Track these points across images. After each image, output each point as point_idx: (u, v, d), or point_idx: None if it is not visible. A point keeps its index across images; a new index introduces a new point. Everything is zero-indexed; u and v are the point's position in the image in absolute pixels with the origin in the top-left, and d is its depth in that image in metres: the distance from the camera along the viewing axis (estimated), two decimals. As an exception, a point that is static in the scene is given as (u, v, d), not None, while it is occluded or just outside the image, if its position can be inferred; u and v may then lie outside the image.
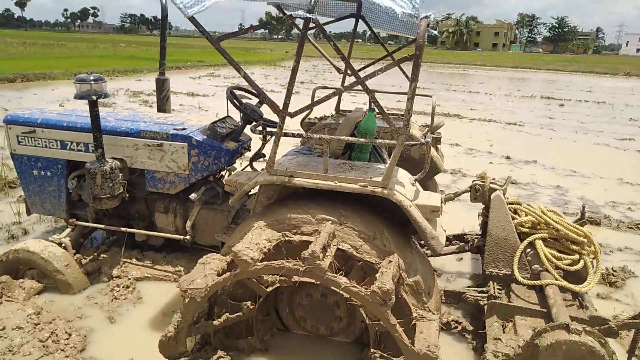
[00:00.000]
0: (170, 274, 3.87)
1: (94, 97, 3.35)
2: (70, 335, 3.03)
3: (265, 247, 2.52)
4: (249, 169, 3.45)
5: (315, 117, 4.53)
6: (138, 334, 3.20)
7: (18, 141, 3.93)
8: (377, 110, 2.87)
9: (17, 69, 18.02)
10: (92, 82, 3.34)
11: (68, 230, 3.93)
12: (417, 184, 2.99)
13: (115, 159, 3.72)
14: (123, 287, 3.64)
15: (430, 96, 4.52)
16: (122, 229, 3.90)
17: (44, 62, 22.20)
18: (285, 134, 2.77)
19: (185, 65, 26.13)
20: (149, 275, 3.84)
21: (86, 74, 3.38)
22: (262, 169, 3.19)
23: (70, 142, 3.83)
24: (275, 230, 2.73)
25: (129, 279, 3.75)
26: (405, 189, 2.76)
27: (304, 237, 2.65)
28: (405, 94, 4.28)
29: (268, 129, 3.10)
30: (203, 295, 2.54)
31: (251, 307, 2.81)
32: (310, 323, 3.12)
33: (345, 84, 3.18)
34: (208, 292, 2.53)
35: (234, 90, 3.73)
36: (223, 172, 4.19)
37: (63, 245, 3.76)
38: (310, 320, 3.11)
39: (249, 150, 4.00)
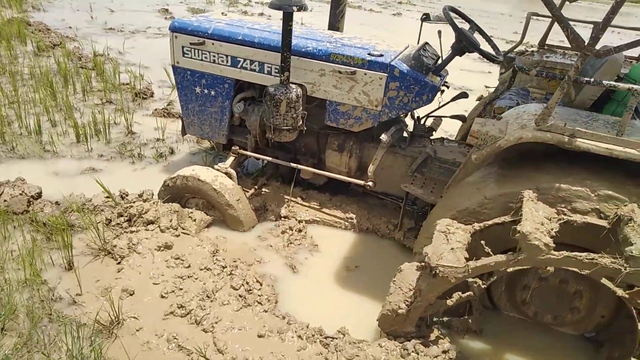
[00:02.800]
0: (340, 221, 3.44)
1: (294, 8, 2.77)
2: (261, 284, 2.70)
3: (552, 229, 1.95)
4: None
5: (516, 52, 3.73)
6: (328, 291, 2.84)
7: (183, 52, 3.48)
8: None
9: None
10: (291, -10, 2.75)
11: (231, 159, 3.54)
12: None
13: (295, 83, 3.21)
14: (295, 230, 3.27)
15: None
16: (293, 164, 3.46)
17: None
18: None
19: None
20: (318, 219, 3.44)
21: (286, -20, 2.78)
22: (499, 117, 2.57)
23: (243, 60, 3.32)
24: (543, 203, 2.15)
25: (299, 220, 3.37)
26: None
27: (590, 220, 2.06)
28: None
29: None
30: (460, 276, 2.06)
31: (482, 285, 2.32)
32: (534, 309, 2.61)
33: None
34: (469, 274, 2.05)
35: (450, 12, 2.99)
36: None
37: (230, 175, 3.40)
38: (534, 305, 2.60)
39: (447, 88, 3.34)
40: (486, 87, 5.73)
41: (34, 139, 4.27)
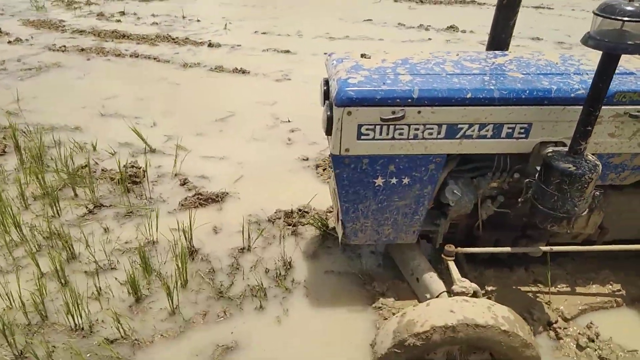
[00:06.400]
0: (610, 299, 2.62)
1: None
2: None
3: None
4: None
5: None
6: None
7: (359, 134, 2.16)
8: None
9: None
10: (629, 18, 1.73)
11: (453, 265, 2.42)
12: None
13: (547, 143, 2.23)
14: (594, 336, 2.38)
15: None
16: (544, 248, 2.48)
17: None
18: None
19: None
20: (587, 307, 2.57)
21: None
22: None
23: (468, 125, 2.18)
24: None
25: (567, 319, 2.49)
26: None
27: None
28: None
29: None
30: None
31: None
32: None
33: None
34: None
35: None
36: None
37: (479, 295, 2.32)
38: None
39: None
40: None
41: (67, 324, 2.45)
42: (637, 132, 2.25)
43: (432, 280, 2.50)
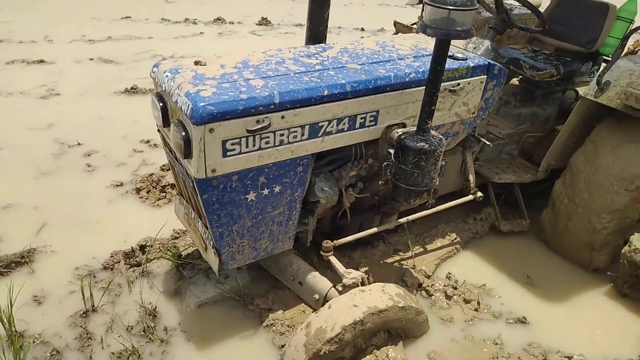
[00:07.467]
0: (453, 247, 3.03)
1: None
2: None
3: None
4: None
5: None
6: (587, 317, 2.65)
7: (225, 151, 1.96)
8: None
9: None
10: (453, 7, 1.96)
11: (335, 259, 2.45)
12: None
13: (392, 126, 2.43)
14: (457, 288, 2.73)
15: None
16: (402, 220, 2.70)
17: None
18: None
19: None
20: (440, 260, 2.92)
21: (447, -9, 1.95)
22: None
23: (328, 122, 2.20)
24: None
25: (427, 276, 2.81)
26: None
27: None
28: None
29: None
30: None
31: None
32: None
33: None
34: None
35: None
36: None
37: (366, 281, 2.41)
38: None
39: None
40: None
41: None
42: (454, 103, 2.60)
43: (317, 280, 2.48)
